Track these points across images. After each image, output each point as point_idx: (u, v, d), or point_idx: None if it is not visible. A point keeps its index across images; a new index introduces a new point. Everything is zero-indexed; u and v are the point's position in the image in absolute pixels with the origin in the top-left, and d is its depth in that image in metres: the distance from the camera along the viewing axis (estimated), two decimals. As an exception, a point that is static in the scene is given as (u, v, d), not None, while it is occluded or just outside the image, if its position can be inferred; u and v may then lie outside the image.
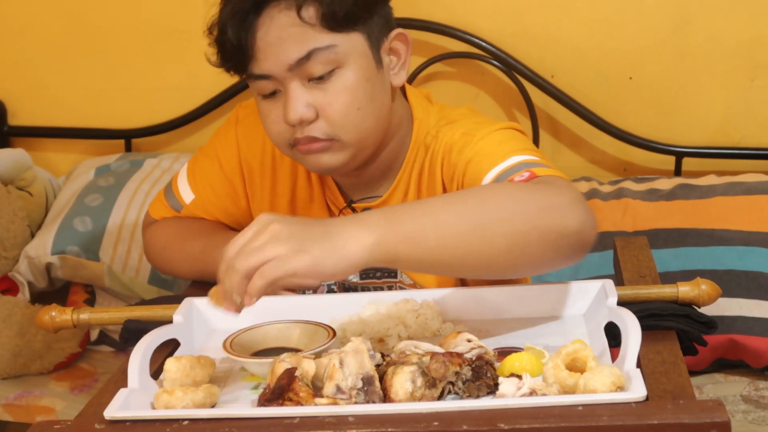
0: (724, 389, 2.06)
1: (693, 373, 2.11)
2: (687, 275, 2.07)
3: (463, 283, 1.61)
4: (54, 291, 2.49)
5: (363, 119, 1.53)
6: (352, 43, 1.50)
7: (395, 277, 1.68)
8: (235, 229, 1.79)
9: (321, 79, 1.50)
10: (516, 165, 1.49)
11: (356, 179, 1.66)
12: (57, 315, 1.54)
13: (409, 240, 1.27)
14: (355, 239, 1.24)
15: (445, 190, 1.62)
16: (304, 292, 1.60)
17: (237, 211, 1.77)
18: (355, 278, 1.69)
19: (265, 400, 1.22)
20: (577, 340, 1.26)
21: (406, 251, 1.27)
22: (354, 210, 1.68)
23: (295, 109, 1.50)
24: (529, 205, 1.33)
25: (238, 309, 1.25)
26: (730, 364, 2.14)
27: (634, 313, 1.31)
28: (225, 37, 1.49)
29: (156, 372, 1.35)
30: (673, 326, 1.38)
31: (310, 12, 1.47)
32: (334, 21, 1.48)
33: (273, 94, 1.53)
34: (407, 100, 1.67)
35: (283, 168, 1.72)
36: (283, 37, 1.47)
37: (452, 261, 1.30)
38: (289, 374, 1.22)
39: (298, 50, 1.48)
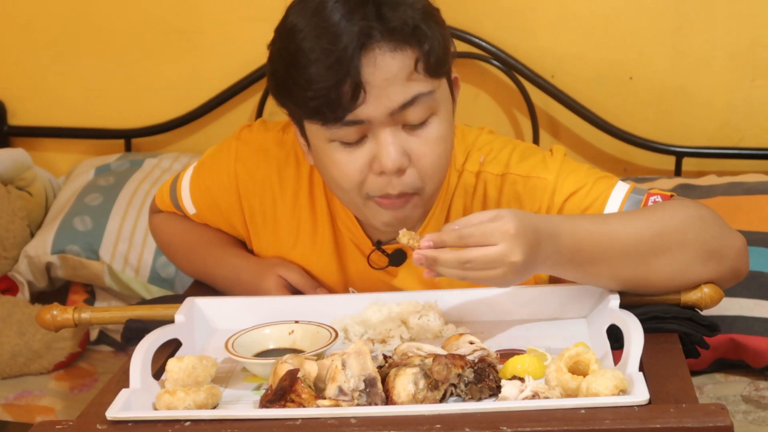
0: (724, 389, 2.05)
1: (693, 373, 2.10)
2: (688, 276, 2.07)
3: None
4: (54, 291, 2.48)
5: (445, 169, 1.48)
6: (442, 90, 1.45)
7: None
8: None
9: (415, 126, 1.43)
10: (630, 196, 1.51)
11: None
12: (58, 314, 1.54)
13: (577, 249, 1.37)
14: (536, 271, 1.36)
15: None
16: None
17: (239, 231, 1.72)
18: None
19: (267, 402, 1.22)
20: (579, 343, 1.27)
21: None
22: (383, 251, 1.59)
23: (395, 158, 1.40)
24: (695, 220, 1.42)
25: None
26: (730, 363, 2.14)
27: (637, 315, 1.31)
28: (320, 84, 1.36)
29: (158, 372, 1.35)
30: (675, 329, 1.38)
31: (410, 56, 1.39)
32: (432, 66, 1.41)
33: (356, 143, 1.43)
34: None
35: (295, 211, 1.63)
36: (389, 80, 1.38)
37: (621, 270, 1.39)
38: (292, 375, 1.22)
39: (404, 95, 1.39)
